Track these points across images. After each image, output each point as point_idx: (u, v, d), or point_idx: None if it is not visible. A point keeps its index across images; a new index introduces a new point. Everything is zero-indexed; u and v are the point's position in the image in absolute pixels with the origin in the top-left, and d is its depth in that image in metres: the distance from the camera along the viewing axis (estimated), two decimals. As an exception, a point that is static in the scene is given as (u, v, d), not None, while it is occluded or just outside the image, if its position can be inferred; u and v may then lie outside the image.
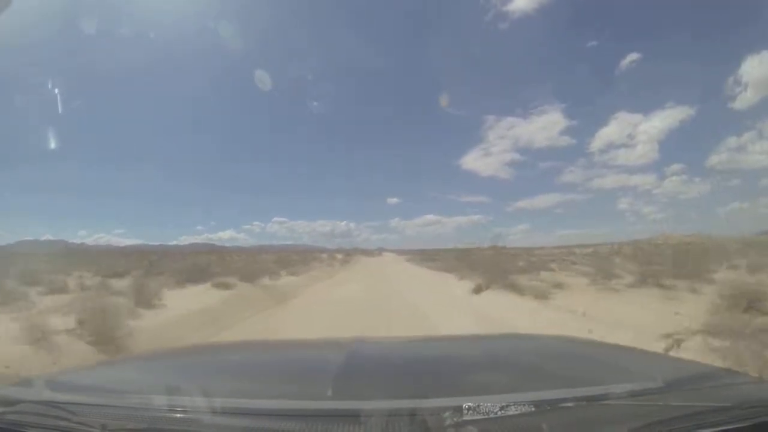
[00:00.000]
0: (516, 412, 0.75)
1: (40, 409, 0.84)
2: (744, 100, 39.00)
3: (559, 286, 10.34)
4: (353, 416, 0.75)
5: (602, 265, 12.84)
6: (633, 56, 40.51)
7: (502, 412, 0.74)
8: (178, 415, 0.80)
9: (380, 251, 64.94)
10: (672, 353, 3.61)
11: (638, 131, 45.29)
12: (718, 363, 3.17)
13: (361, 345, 1.64)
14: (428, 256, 40.46)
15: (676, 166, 46.88)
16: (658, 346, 3.87)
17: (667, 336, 4.19)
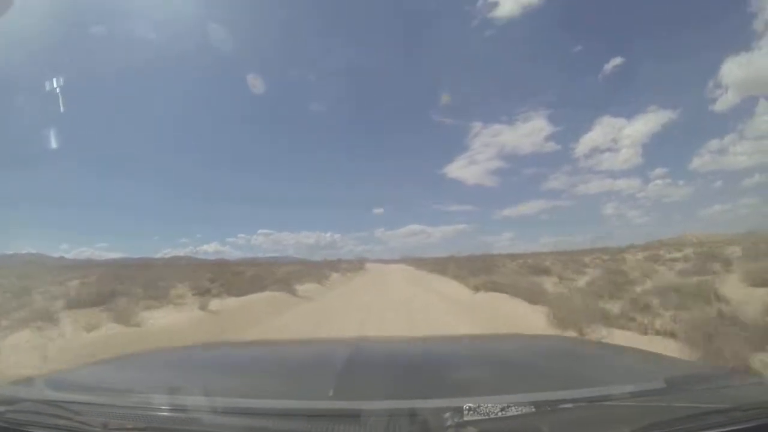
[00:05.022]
0: (516, 413, 0.74)
1: (41, 408, 0.84)
2: (725, 102, 39.65)
3: None
4: (354, 416, 0.75)
5: None
6: (617, 60, 40.81)
7: (503, 412, 0.74)
8: (179, 415, 0.80)
9: (361, 262, 48.27)
10: None
11: (622, 136, 45.63)
12: None
13: (363, 345, 1.64)
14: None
15: (659, 170, 47.14)
16: None
17: None
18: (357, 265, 46.17)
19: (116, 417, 0.79)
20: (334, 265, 36.55)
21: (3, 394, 0.95)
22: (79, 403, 0.86)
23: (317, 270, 26.77)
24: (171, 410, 0.82)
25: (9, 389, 1.03)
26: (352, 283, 23.70)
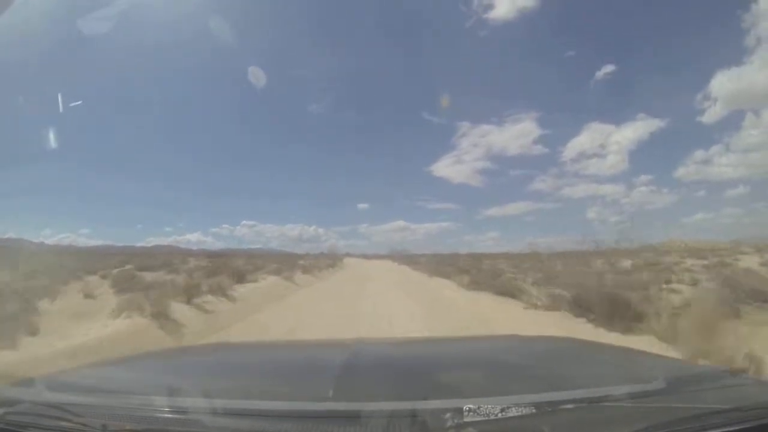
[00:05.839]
0: (516, 414, 0.74)
1: (41, 410, 0.84)
2: (712, 114, 40.80)
3: None
4: (354, 417, 0.75)
5: None
6: (609, 68, 41.62)
7: (503, 413, 0.74)
8: (179, 416, 0.80)
9: (334, 258, 37.39)
10: None
11: (610, 142, 46.57)
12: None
13: (362, 346, 1.63)
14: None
15: (644, 177, 48.01)
16: None
17: None
18: (328, 261, 31.59)
19: (115, 418, 0.79)
20: (294, 261, 25.16)
21: (3, 395, 0.95)
22: (79, 404, 0.86)
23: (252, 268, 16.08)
24: (170, 412, 0.82)
25: (9, 391, 1.03)
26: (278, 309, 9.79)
